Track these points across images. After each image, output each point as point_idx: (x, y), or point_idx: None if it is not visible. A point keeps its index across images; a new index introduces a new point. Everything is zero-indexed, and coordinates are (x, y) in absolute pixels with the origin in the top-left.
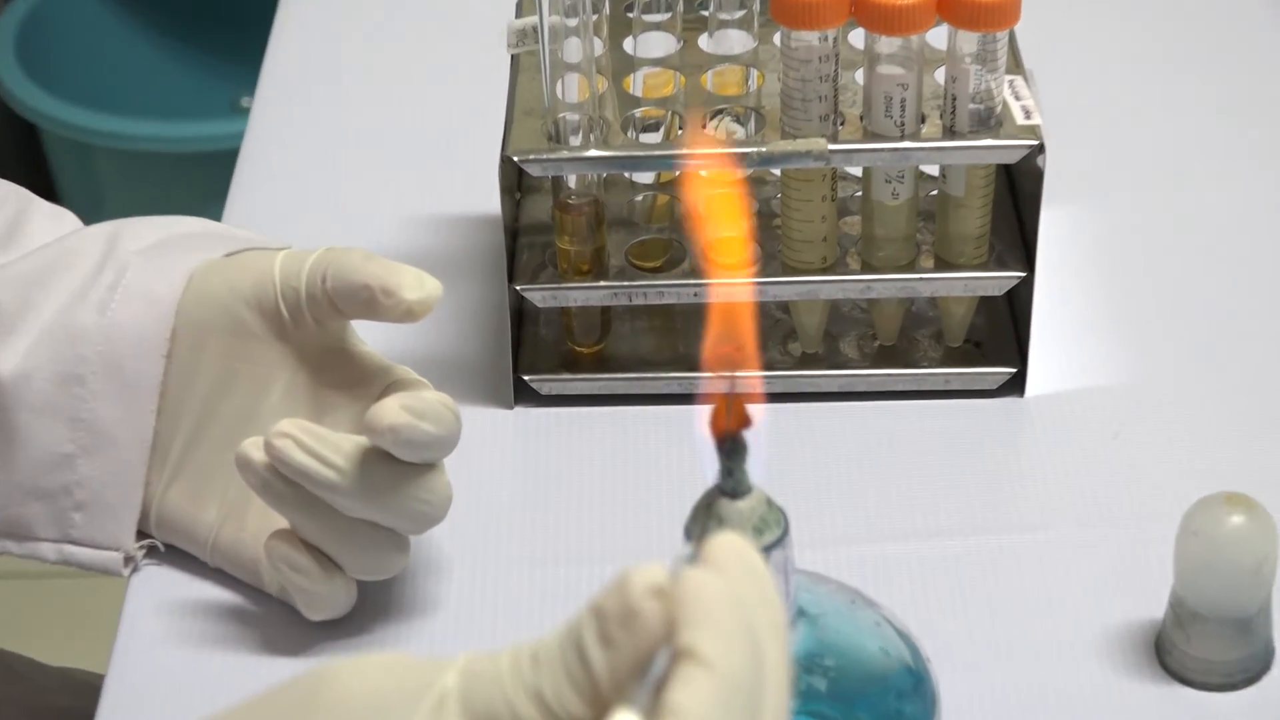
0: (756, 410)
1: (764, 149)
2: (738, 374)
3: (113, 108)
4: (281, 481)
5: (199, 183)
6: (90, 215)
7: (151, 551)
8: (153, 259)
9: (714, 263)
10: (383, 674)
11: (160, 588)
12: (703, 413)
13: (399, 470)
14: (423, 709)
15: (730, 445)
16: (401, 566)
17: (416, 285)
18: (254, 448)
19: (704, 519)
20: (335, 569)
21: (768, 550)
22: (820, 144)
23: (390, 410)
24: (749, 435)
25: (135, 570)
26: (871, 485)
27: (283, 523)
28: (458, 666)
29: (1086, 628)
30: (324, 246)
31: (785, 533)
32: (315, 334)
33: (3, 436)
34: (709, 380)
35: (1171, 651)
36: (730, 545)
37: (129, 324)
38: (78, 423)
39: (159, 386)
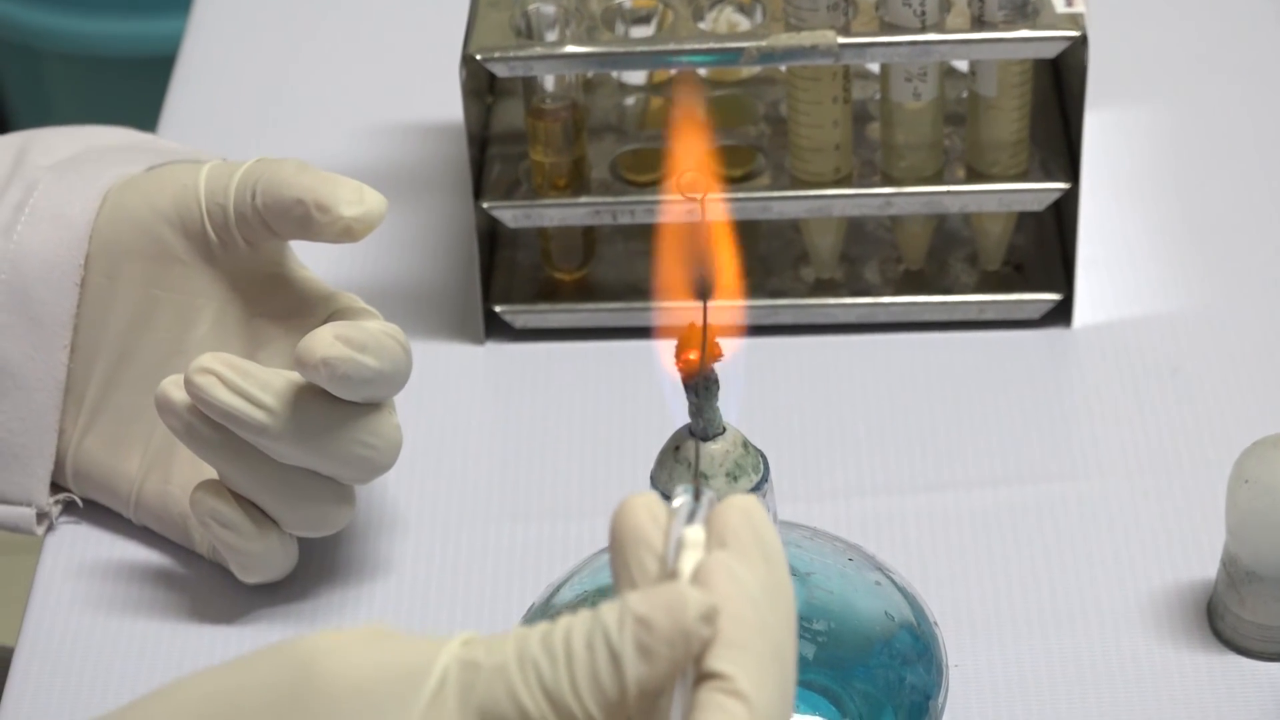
0: (728, 341)
1: (764, 43)
2: (709, 302)
3: (61, 2)
4: (206, 425)
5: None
6: None
7: (69, 508)
8: (65, 175)
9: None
10: (370, 657)
11: (78, 548)
12: (666, 346)
13: (338, 410)
14: (418, 707)
15: (698, 381)
16: (345, 521)
17: (355, 199)
18: (174, 386)
19: (671, 464)
20: (270, 525)
21: None
22: (829, 37)
23: (324, 341)
24: (721, 369)
25: (50, 528)
26: (893, 429)
27: (212, 473)
28: (454, 653)
29: (1130, 590)
30: (256, 158)
31: (764, 479)
32: (247, 257)
33: None
34: (672, 310)
35: (1224, 616)
36: (745, 519)
37: (37, 248)
38: None
39: (72, 319)
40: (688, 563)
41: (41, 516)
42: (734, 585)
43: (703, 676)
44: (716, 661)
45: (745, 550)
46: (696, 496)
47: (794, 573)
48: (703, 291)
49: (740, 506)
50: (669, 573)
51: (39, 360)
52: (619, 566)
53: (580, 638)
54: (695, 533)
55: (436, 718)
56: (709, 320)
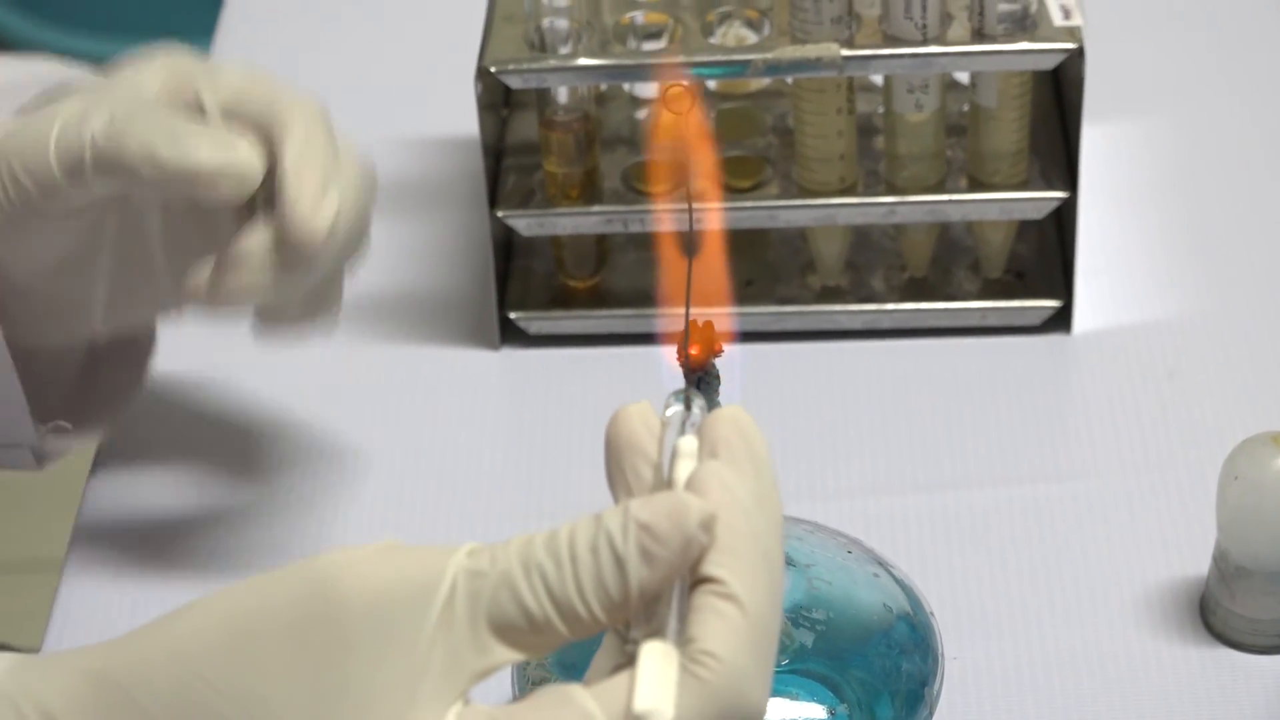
0: (726, 340)
1: (770, 56)
2: (709, 308)
3: (95, 25)
4: None
5: None
6: None
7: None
8: None
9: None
10: (383, 573)
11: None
12: (669, 346)
13: None
14: (430, 620)
15: (700, 375)
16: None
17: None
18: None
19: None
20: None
21: None
22: (833, 49)
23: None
24: (720, 365)
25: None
26: (897, 431)
27: None
28: (460, 563)
29: (1125, 586)
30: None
31: None
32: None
33: None
34: (675, 312)
35: (1215, 610)
36: (735, 429)
37: None
38: None
39: None
40: (681, 471)
41: (41, 458)
42: (726, 494)
43: (698, 581)
44: (711, 567)
45: (736, 460)
46: (688, 407)
47: (794, 564)
48: (689, 247)
49: (731, 417)
50: (664, 481)
51: None
52: (615, 473)
53: (584, 542)
54: (688, 442)
55: (448, 627)
56: (709, 320)
